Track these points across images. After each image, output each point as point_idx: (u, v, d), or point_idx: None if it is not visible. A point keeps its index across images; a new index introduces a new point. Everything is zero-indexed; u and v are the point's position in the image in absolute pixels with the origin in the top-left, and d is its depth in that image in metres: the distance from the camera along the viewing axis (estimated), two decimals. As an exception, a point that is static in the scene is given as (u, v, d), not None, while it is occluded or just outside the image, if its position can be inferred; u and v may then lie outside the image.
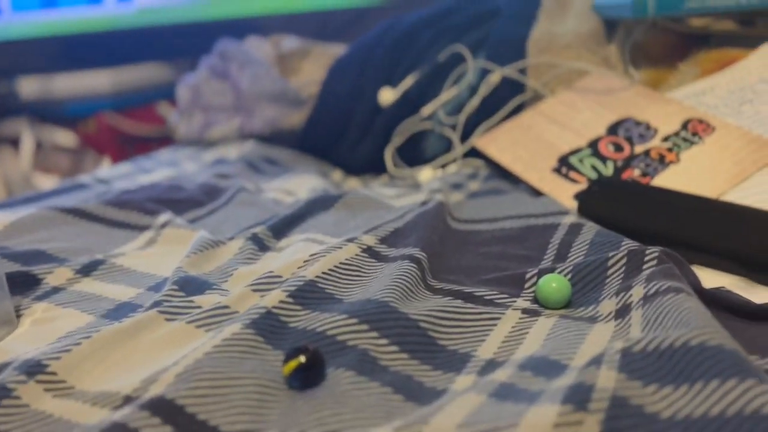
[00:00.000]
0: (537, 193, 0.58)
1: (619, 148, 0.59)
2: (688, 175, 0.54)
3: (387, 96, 0.74)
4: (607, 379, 0.28)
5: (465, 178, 0.64)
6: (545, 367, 0.32)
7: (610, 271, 0.41)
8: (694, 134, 0.58)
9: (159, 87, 1.21)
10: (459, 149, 0.69)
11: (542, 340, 0.35)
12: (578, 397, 0.27)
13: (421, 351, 0.34)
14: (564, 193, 0.56)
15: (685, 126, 0.59)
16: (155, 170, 0.74)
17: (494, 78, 0.69)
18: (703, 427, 0.26)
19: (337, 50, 0.88)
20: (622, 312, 0.36)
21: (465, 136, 0.70)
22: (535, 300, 0.41)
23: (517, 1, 0.79)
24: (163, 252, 0.50)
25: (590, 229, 0.47)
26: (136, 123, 1.18)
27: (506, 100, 0.69)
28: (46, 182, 1.16)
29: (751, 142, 0.55)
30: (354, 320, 0.35)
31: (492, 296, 0.40)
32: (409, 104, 0.73)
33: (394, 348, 0.34)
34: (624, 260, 0.41)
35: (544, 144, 0.62)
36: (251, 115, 0.84)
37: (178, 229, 0.52)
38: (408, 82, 0.73)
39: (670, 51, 0.70)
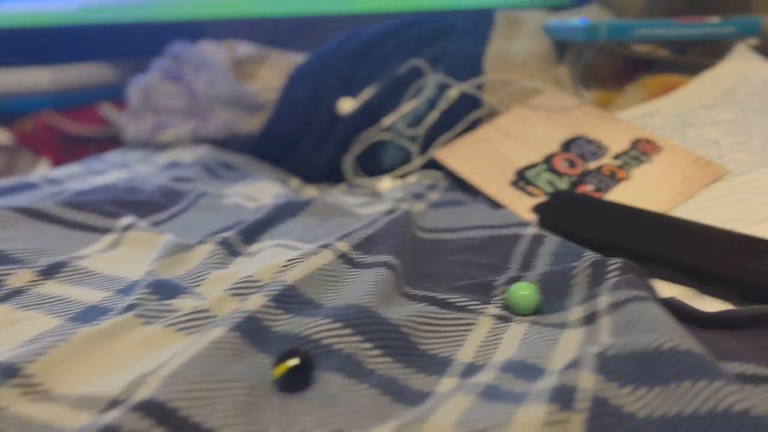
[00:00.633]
0: (495, 205, 0.60)
1: (572, 164, 0.62)
2: (639, 192, 0.57)
3: (346, 105, 0.75)
4: (587, 381, 0.30)
5: (425, 189, 0.65)
6: (524, 370, 0.33)
7: (575, 280, 0.43)
8: (643, 153, 0.61)
9: (102, 87, 1.18)
10: (418, 160, 0.71)
11: (517, 345, 0.37)
12: (563, 397, 0.28)
13: (404, 355, 0.35)
14: (522, 206, 0.59)
15: (634, 145, 0.62)
16: (107, 172, 0.73)
17: (453, 93, 0.71)
18: (678, 424, 0.28)
19: (293, 58, 0.89)
20: (590, 319, 0.39)
21: (424, 148, 0.72)
22: (506, 307, 0.42)
23: (472, 19, 0.82)
24: (128, 255, 0.49)
25: (552, 240, 0.49)
26: (76, 123, 1.14)
27: (464, 114, 0.71)
28: (-22, 181, 1.11)
29: (695, 162, 0.59)
30: (338, 324, 0.35)
31: (464, 303, 0.42)
32: (368, 114, 0.74)
33: (378, 352, 0.35)
34: (588, 270, 0.43)
35: (502, 158, 0.65)
36: (206, 119, 0.83)
37: (142, 232, 0.51)
38: (368, 92, 0.74)
39: (617, 74, 0.74)
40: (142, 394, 0.30)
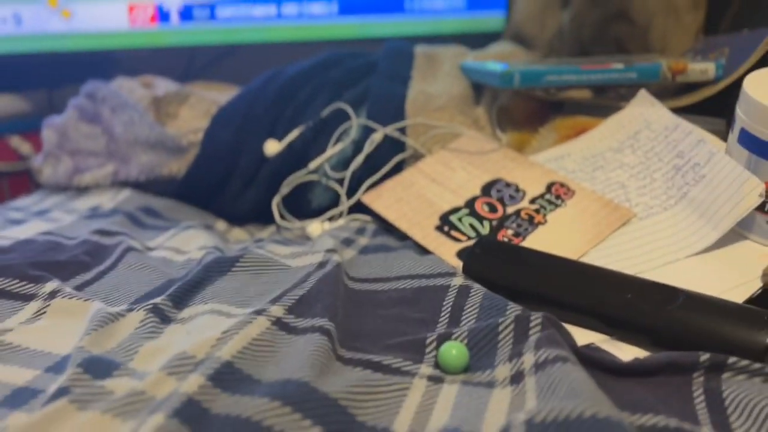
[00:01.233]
0: (423, 250, 0.62)
1: (493, 208, 0.65)
2: (555, 236, 0.61)
3: (272, 148, 0.75)
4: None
5: (354, 233, 0.67)
6: (458, 439, 0.35)
7: (500, 336, 0.45)
8: (558, 197, 0.65)
9: (11, 119, 1.13)
10: (346, 204, 0.72)
11: (450, 411, 0.39)
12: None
13: (343, 430, 0.36)
14: (447, 252, 0.61)
15: (549, 189, 0.66)
16: (25, 222, 0.70)
17: (377, 136, 0.73)
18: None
19: (215, 96, 0.88)
20: (516, 378, 0.41)
21: (351, 190, 0.73)
22: (437, 365, 0.44)
23: (392, 58, 0.84)
24: (54, 325, 0.48)
25: (477, 291, 0.52)
26: (-17, 158, 1.09)
27: (389, 156, 0.73)
28: None
29: (605, 205, 0.63)
30: (277, 403, 0.36)
31: (398, 364, 0.43)
32: (295, 156, 0.75)
33: (318, 429, 0.36)
34: (512, 326, 0.45)
35: (426, 202, 0.67)
36: (126, 162, 0.82)
37: (69, 300, 0.50)
38: (293, 135, 0.75)
39: (531, 116, 0.78)
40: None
